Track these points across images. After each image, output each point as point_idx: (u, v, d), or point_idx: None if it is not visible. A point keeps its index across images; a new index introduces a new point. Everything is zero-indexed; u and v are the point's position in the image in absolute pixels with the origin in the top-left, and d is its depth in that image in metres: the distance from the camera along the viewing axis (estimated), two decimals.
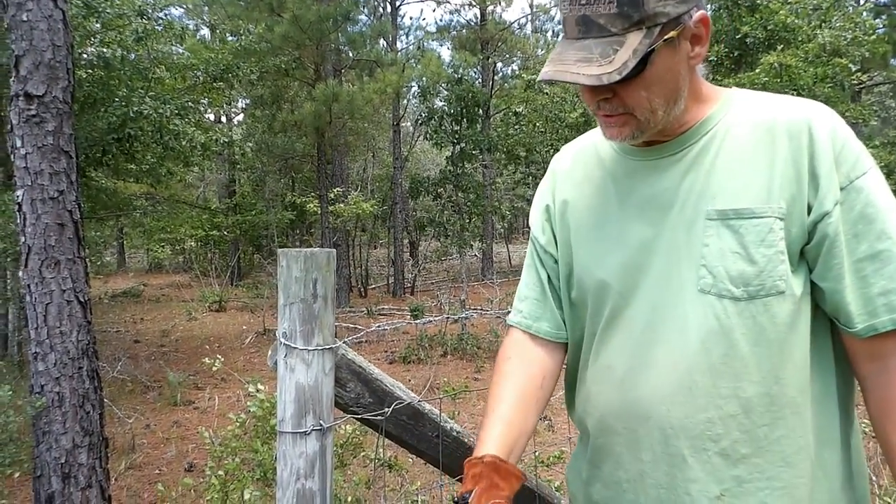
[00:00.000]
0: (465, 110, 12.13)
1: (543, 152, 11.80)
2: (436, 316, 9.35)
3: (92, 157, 7.34)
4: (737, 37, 8.03)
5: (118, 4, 7.06)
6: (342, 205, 12.25)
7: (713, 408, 0.87)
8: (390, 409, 1.19)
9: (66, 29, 3.21)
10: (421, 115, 13.70)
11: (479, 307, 10.75)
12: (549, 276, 1.07)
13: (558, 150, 1.14)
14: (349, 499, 3.11)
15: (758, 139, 0.89)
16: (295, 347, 1.07)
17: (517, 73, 16.41)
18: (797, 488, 0.87)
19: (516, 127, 12.67)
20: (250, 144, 15.31)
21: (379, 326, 1.61)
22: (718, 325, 0.86)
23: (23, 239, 3.14)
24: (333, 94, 11.39)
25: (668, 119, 0.89)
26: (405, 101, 18.50)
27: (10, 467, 3.27)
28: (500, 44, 18.35)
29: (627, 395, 0.93)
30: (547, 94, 10.76)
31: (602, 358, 0.98)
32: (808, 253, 0.87)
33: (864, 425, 1.60)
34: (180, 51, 9.28)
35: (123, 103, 7.07)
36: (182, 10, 14.31)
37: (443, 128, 12.26)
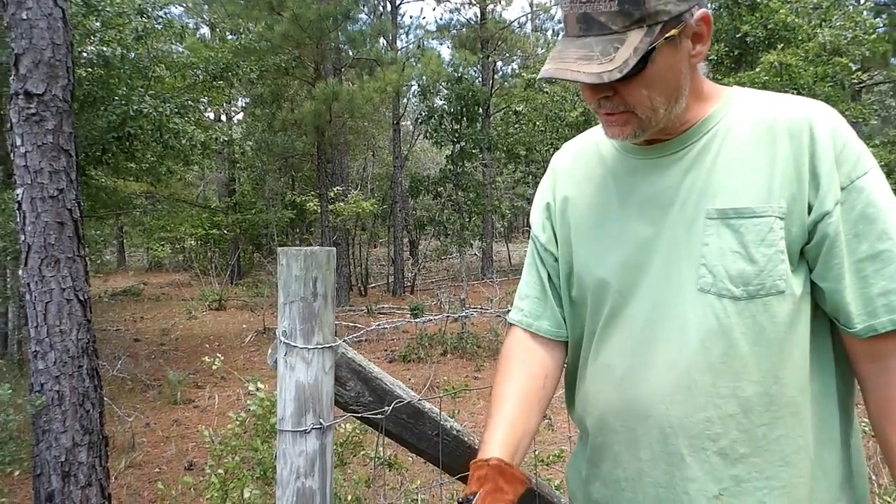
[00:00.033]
0: (465, 109, 12.12)
1: (543, 151, 11.80)
2: (436, 315, 9.36)
3: (92, 155, 7.34)
4: (737, 35, 8.02)
5: (118, 3, 7.05)
6: (342, 203, 12.25)
7: (712, 407, 0.87)
8: (390, 407, 1.19)
9: (65, 27, 3.21)
10: (421, 114, 13.69)
11: (479, 306, 10.75)
12: (549, 275, 1.07)
13: (558, 149, 1.14)
14: (349, 497, 3.11)
15: (758, 138, 0.88)
16: (295, 346, 1.06)
17: (517, 71, 16.41)
18: (796, 488, 0.87)
19: (516, 126, 12.67)
20: (250, 143, 15.30)
21: (379, 325, 1.60)
22: (718, 324, 0.86)
23: (22, 237, 3.14)
24: (333, 93, 11.38)
25: (669, 117, 0.89)
26: (405, 100, 18.49)
27: (10, 466, 3.27)
28: (500, 42, 18.33)
29: (627, 393, 0.93)
30: (547, 92, 10.76)
31: (602, 356, 0.98)
32: (808, 253, 0.87)
33: (864, 424, 1.60)
34: (180, 49, 9.27)
35: (123, 102, 7.07)
36: (182, 8, 14.32)
37: (443, 127, 12.25)
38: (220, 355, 3.83)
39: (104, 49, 7.03)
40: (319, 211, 12.89)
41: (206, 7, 14.30)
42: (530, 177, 14.75)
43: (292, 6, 10.84)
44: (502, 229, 24.43)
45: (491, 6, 17.70)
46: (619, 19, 0.80)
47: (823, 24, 7.74)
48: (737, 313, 0.85)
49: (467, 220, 13.07)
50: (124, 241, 19.92)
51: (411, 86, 16.93)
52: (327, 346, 1.08)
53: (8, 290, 6.95)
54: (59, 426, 3.13)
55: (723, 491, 0.87)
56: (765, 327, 0.85)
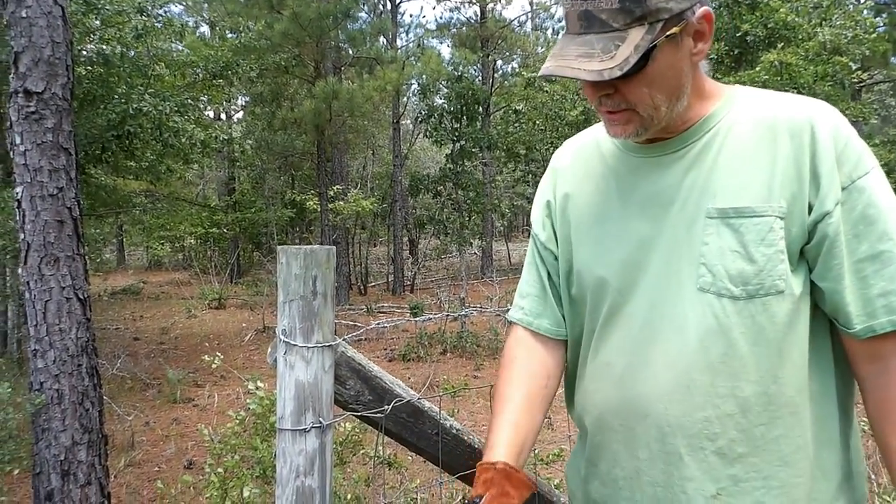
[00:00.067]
0: (464, 108, 12.13)
1: (543, 150, 11.80)
2: (435, 314, 9.35)
3: (91, 153, 7.33)
4: (737, 35, 8.02)
5: (118, 1, 7.04)
6: (342, 202, 12.23)
7: (711, 406, 0.86)
8: (390, 406, 1.19)
9: (65, 25, 3.20)
10: (421, 113, 13.70)
11: (478, 305, 10.74)
12: (549, 273, 1.07)
13: (559, 148, 1.14)
14: (349, 496, 3.11)
15: (759, 137, 0.88)
16: (294, 345, 1.06)
17: (517, 70, 16.40)
18: (794, 488, 0.87)
19: (516, 125, 12.68)
20: (250, 142, 15.27)
21: (378, 324, 1.60)
22: (717, 323, 0.86)
23: (22, 236, 3.14)
24: (333, 92, 11.38)
25: (671, 116, 0.88)
26: (405, 99, 18.47)
27: (10, 464, 3.27)
28: (500, 41, 18.32)
29: (626, 392, 0.93)
30: (547, 91, 10.76)
31: (601, 355, 0.98)
32: (808, 253, 0.87)
33: (863, 424, 1.60)
34: (180, 48, 9.27)
35: (123, 100, 7.07)
36: (181, 6, 14.32)
37: (443, 125, 12.26)
38: (219, 354, 3.83)
39: (104, 47, 7.02)
40: (319, 210, 12.88)
41: (206, 5, 14.30)
42: (530, 176, 14.74)
43: (292, 4, 10.84)
44: (502, 228, 24.43)
45: (491, 5, 17.69)
46: (621, 17, 0.79)
47: (823, 23, 7.74)
48: (736, 313, 0.85)
49: (467, 218, 13.08)
50: (124, 239, 19.91)
51: (411, 84, 16.92)
52: (327, 344, 1.08)
53: (7, 289, 6.94)
54: (59, 425, 3.13)
55: (721, 490, 0.87)
56: (764, 327, 0.85)
